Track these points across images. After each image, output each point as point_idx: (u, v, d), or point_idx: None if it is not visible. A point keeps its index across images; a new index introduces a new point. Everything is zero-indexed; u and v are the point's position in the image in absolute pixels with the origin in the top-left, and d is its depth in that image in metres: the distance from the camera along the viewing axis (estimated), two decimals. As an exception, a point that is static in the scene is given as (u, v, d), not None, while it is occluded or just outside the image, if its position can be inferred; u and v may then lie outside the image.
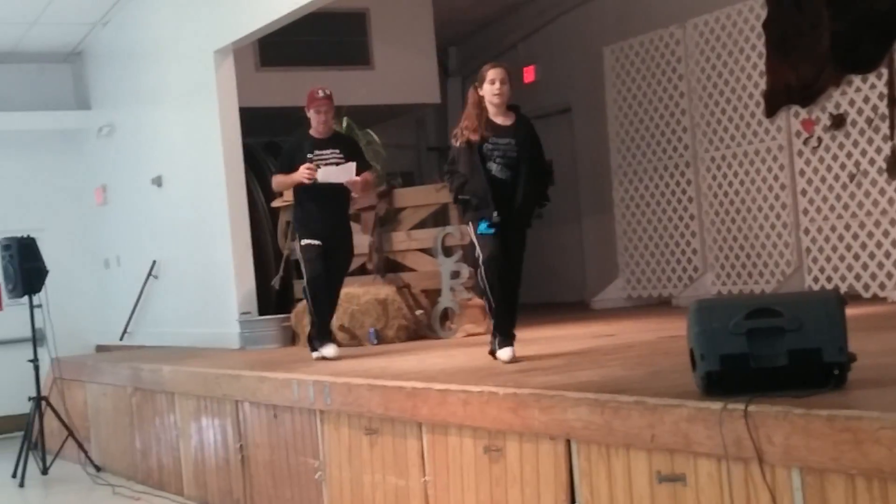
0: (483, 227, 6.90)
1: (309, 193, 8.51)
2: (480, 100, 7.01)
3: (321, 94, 8.58)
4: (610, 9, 12.94)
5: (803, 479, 4.12)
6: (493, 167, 6.94)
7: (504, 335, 7.01)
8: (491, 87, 6.98)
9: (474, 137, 6.93)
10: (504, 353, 6.94)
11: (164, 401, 9.56)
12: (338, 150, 8.56)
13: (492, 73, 6.99)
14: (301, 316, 10.19)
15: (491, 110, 7.01)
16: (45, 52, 13.89)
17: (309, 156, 8.45)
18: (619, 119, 12.28)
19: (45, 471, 10.61)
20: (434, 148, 14.35)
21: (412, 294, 10.12)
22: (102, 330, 13.91)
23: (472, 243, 7.09)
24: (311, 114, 8.56)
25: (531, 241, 13.55)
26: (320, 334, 8.59)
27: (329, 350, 8.48)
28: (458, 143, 7.02)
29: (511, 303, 7.13)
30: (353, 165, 8.47)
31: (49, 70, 14.29)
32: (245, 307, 10.84)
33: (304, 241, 8.54)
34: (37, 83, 14.13)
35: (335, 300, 8.85)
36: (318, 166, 8.41)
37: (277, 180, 8.70)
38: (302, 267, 8.65)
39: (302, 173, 8.36)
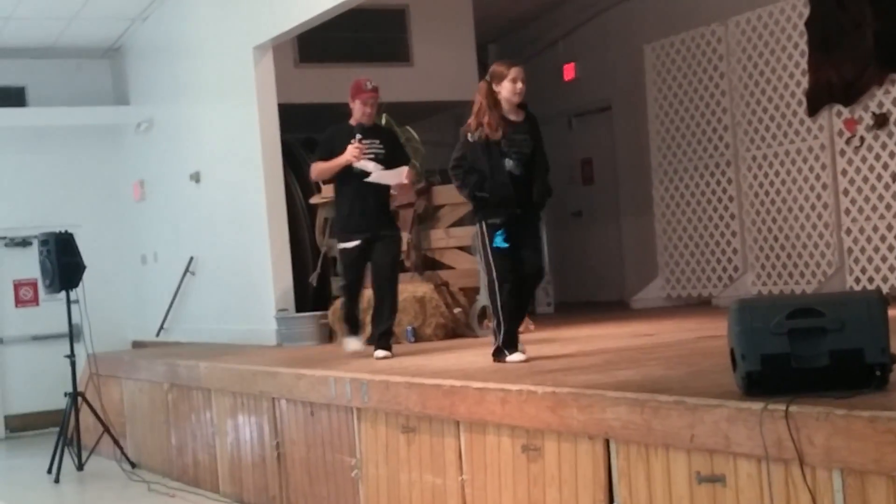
0: (498, 240, 6.90)
1: (350, 187, 8.41)
2: (495, 94, 6.97)
3: (369, 85, 8.51)
4: (651, 6, 12.87)
5: (844, 480, 4.07)
6: (509, 163, 6.95)
7: (513, 346, 7.00)
8: (513, 86, 6.97)
9: (496, 136, 6.92)
10: (516, 357, 6.95)
11: (201, 397, 9.57)
12: (378, 142, 8.51)
13: (514, 72, 7.00)
14: (338, 313, 10.17)
15: (505, 107, 6.99)
16: (84, 47, 13.95)
17: (360, 135, 8.37)
18: (659, 117, 12.20)
19: (80, 466, 10.65)
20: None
21: (450, 292, 10.08)
22: (139, 326, 13.97)
23: (483, 247, 7.03)
24: (356, 104, 8.48)
25: (571, 241, 13.46)
26: (352, 330, 8.66)
27: (354, 343, 8.51)
28: (471, 139, 6.98)
29: (524, 303, 7.17)
30: (405, 169, 8.46)
31: (88, 65, 14.37)
32: (282, 304, 10.84)
33: (342, 245, 8.50)
34: (76, 78, 14.21)
35: (395, 294, 8.59)
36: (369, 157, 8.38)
37: (319, 167, 8.53)
38: (339, 269, 8.59)
39: (350, 152, 8.27)
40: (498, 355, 7.03)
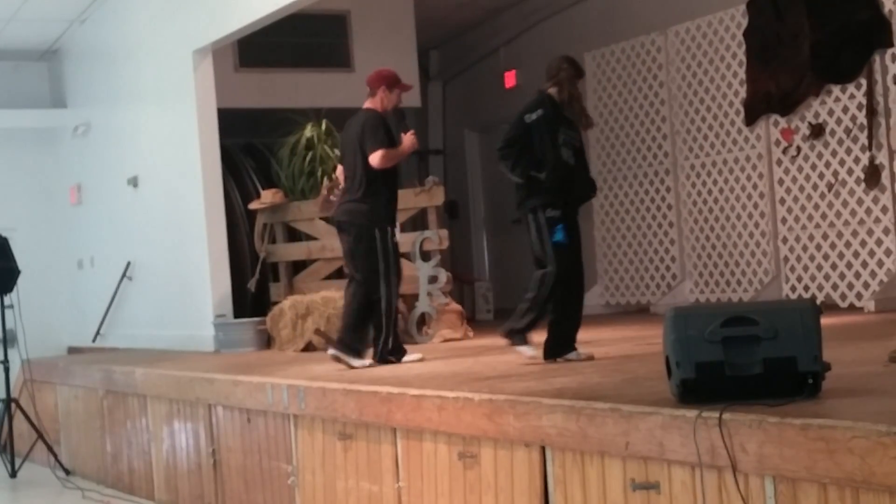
0: (560, 234, 6.88)
1: (394, 177, 8.14)
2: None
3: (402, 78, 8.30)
4: (592, 15, 12.92)
5: (776, 487, 4.10)
6: (564, 153, 6.97)
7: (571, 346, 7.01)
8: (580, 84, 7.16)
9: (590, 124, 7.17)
10: (529, 350, 6.98)
11: (136, 404, 9.48)
12: None
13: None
14: (277, 319, 10.11)
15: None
16: (20, 49, 13.77)
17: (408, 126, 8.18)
18: (599, 125, 12.23)
19: (13, 474, 10.51)
20: (414, 152, 14.28)
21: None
22: (74, 331, 13.80)
23: (541, 242, 6.93)
24: (393, 94, 8.10)
25: (511, 247, 13.40)
26: (398, 341, 8.08)
27: (416, 354, 8.03)
28: (528, 120, 6.93)
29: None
30: None
31: (25, 67, 14.18)
32: (220, 310, 10.76)
33: (395, 239, 8.06)
34: (12, 81, 14.01)
35: None
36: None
37: (392, 154, 7.97)
38: (383, 266, 7.91)
39: (413, 140, 8.07)
40: (560, 353, 6.96)
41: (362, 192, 7.98)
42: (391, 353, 7.88)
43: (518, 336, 7.02)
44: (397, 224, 8.24)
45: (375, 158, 7.85)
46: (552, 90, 7.15)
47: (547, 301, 6.93)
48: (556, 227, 6.88)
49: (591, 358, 6.96)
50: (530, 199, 6.97)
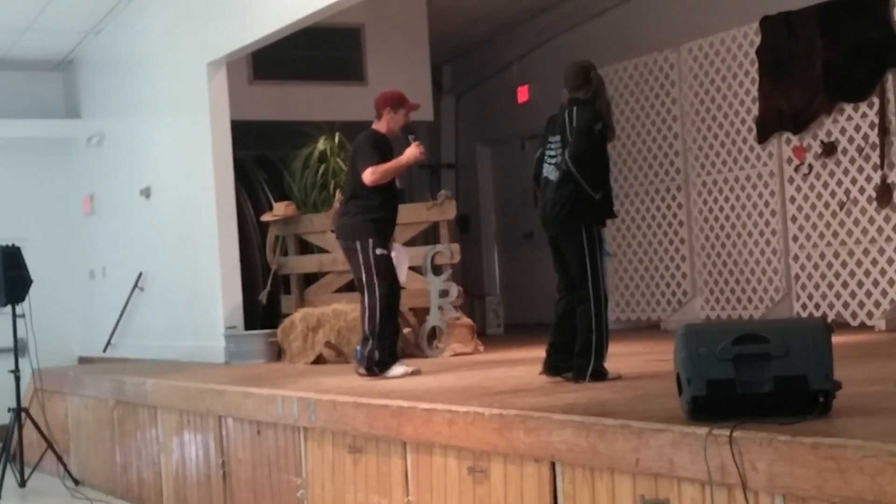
0: (607, 249, 6.83)
1: (392, 194, 8.20)
2: None
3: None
4: (605, 31, 12.94)
5: (787, 506, 4.09)
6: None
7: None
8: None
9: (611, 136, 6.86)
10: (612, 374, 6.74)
11: (147, 415, 9.49)
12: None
13: None
14: (288, 331, 10.13)
15: None
16: (35, 59, 13.83)
17: (412, 136, 8.21)
18: (611, 141, 12.23)
19: (22, 483, 10.50)
20: (426, 166, 14.32)
21: (400, 312, 10.05)
22: (86, 341, 13.82)
23: (591, 257, 6.81)
24: (399, 114, 8.20)
25: (522, 262, 13.33)
26: (392, 355, 8.08)
27: (401, 368, 8.03)
28: (596, 130, 6.72)
29: None
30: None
31: (39, 78, 14.23)
32: (231, 321, 10.78)
33: (380, 251, 8.05)
34: (27, 91, 14.05)
35: None
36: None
37: (384, 168, 7.98)
38: (376, 279, 8.01)
39: (416, 152, 8.09)
40: (596, 376, 6.66)
41: (351, 207, 8.21)
42: (377, 365, 7.96)
43: (598, 376, 6.70)
44: (391, 240, 8.23)
45: (366, 176, 8.02)
46: (586, 97, 6.88)
47: (604, 321, 6.83)
48: (603, 250, 6.80)
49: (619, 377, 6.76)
50: (589, 211, 6.73)
